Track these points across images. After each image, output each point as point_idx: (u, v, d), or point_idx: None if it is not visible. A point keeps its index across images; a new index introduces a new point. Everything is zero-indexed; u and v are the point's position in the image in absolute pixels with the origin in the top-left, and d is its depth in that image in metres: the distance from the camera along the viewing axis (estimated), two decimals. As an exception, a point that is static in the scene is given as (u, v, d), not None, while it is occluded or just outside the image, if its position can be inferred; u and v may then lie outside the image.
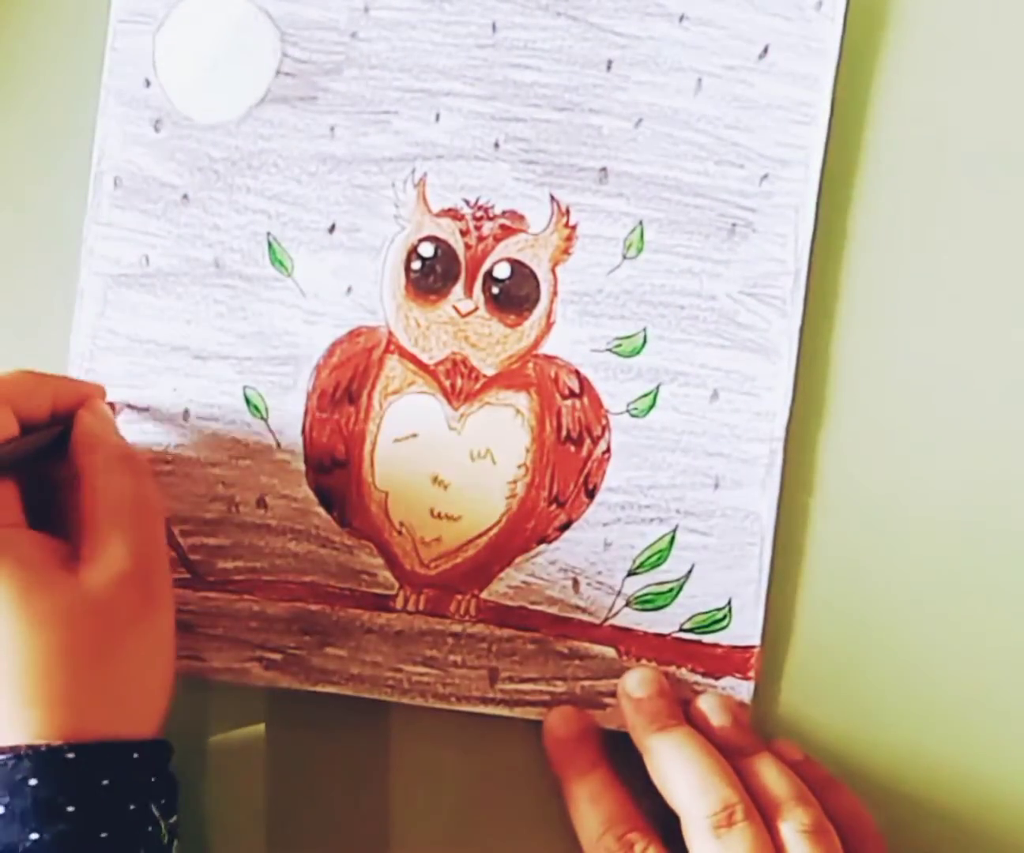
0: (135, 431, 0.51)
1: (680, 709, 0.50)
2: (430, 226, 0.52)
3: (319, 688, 0.51)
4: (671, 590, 0.51)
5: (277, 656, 0.51)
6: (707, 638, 0.51)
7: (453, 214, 0.52)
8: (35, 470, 0.46)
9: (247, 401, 0.52)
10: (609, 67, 0.52)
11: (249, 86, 0.52)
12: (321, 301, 0.52)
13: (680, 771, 0.48)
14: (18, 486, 0.45)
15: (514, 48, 0.52)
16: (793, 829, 0.46)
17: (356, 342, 0.52)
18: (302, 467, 0.52)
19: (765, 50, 0.52)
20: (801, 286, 0.51)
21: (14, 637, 0.42)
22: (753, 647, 0.51)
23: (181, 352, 0.52)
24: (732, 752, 0.49)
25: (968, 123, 0.52)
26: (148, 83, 0.52)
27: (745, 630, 0.51)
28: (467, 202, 0.52)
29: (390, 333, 0.52)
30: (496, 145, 0.52)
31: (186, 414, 0.52)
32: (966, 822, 0.52)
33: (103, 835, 0.41)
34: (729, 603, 0.51)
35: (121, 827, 0.42)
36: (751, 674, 0.51)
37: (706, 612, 0.51)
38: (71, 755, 0.41)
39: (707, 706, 0.50)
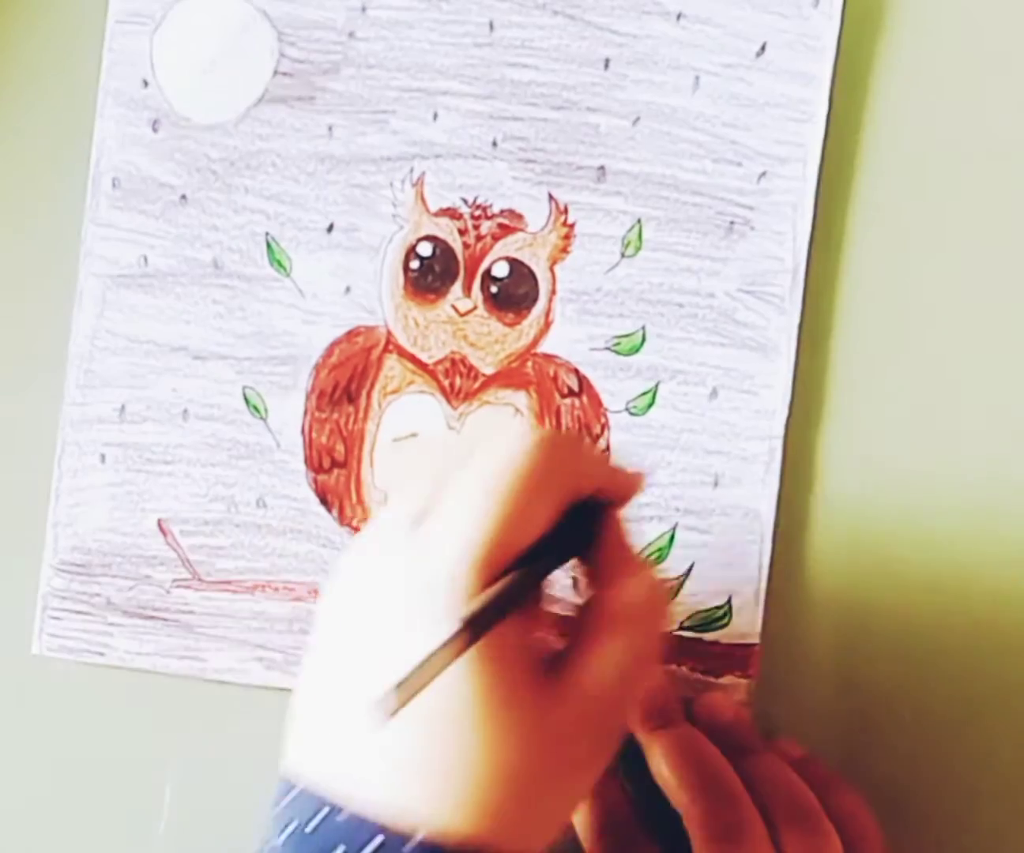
0: (135, 432, 0.51)
1: (680, 707, 0.50)
2: (428, 225, 0.52)
3: (319, 688, 0.51)
4: (671, 589, 0.51)
5: (277, 656, 0.51)
6: (707, 636, 0.51)
7: (451, 213, 0.52)
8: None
9: (246, 401, 0.52)
10: (607, 66, 0.52)
11: (247, 86, 0.52)
12: (320, 301, 0.52)
13: (680, 770, 0.48)
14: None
15: (511, 47, 0.52)
16: (794, 829, 0.46)
17: (355, 342, 0.52)
18: (302, 467, 0.52)
19: (763, 48, 0.52)
20: (800, 283, 0.51)
21: (471, 741, 0.38)
22: (753, 645, 0.51)
23: (180, 352, 0.52)
24: (733, 750, 0.49)
25: (966, 120, 0.52)
26: (146, 84, 0.52)
27: (745, 628, 0.51)
28: (465, 201, 0.52)
29: (389, 332, 0.52)
30: (494, 144, 0.52)
31: (185, 414, 0.52)
32: (966, 822, 0.52)
33: None
34: (729, 601, 0.51)
35: None
36: (751, 672, 0.51)
37: (706, 610, 0.51)
38: None
39: (707, 704, 0.50)
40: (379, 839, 0.37)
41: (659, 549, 0.51)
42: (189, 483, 0.52)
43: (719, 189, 0.52)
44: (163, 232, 0.52)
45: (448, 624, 0.36)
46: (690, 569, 0.51)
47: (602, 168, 0.52)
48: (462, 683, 0.38)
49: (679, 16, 0.52)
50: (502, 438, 0.40)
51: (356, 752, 0.39)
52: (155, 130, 0.52)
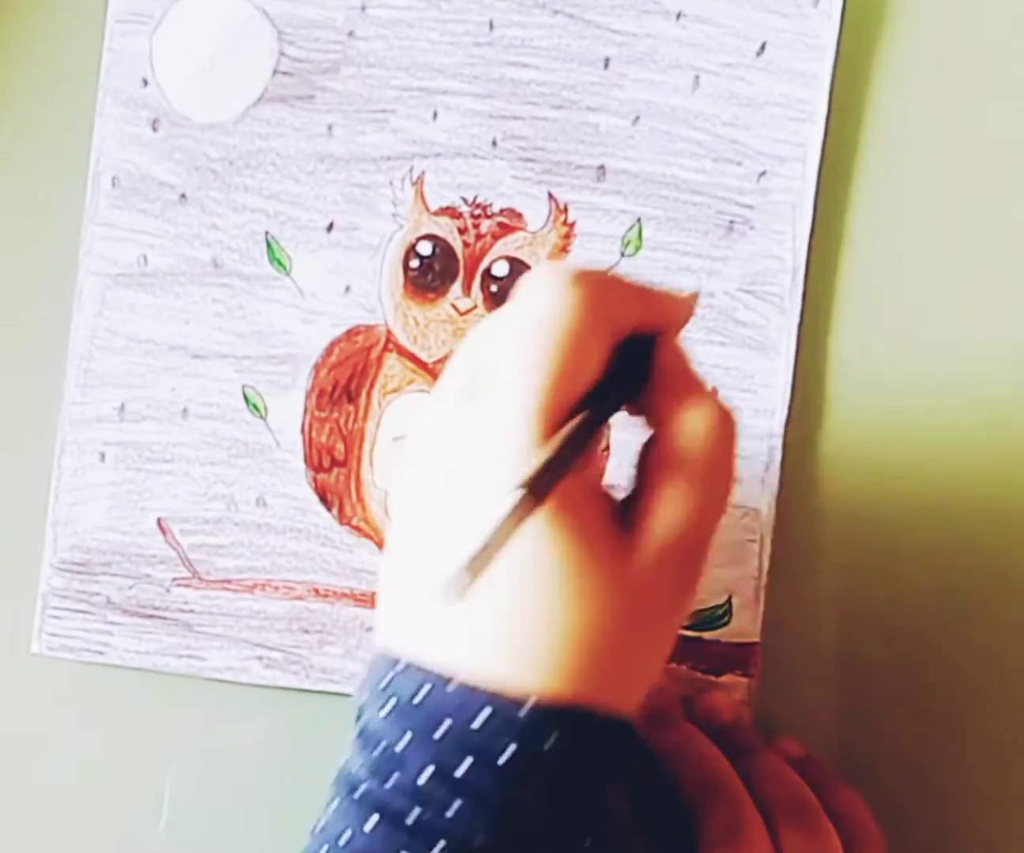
0: (135, 431, 0.51)
1: (681, 706, 0.50)
2: (428, 224, 0.52)
3: (319, 687, 0.51)
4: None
5: (277, 655, 0.51)
6: (707, 635, 0.51)
7: (451, 212, 0.52)
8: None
9: (246, 400, 0.52)
10: (606, 65, 0.52)
11: (246, 85, 0.52)
12: (319, 300, 0.52)
13: (681, 769, 0.48)
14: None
15: (511, 46, 0.52)
16: (793, 829, 0.46)
17: (355, 341, 0.52)
18: (301, 466, 0.52)
19: (762, 47, 0.52)
20: (799, 283, 0.51)
21: (560, 602, 0.37)
22: (753, 644, 0.51)
23: (179, 351, 0.52)
24: (733, 749, 0.49)
25: (966, 119, 0.52)
26: (145, 83, 0.52)
27: (745, 627, 0.51)
28: (465, 200, 0.52)
29: (389, 331, 0.52)
30: (494, 143, 0.52)
31: (185, 413, 0.52)
32: (966, 821, 0.52)
33: (586, 801, 0.39)
34: (729, 600, 0.51)
35: (587, 805, 0.39)
36: (751, 671, 0.51)
37: (706, 609, 0.51)
38: (600, 723, 0.38)
39: (707, 703, 0.50)
40: (488, 709, 0.37)
41: (659, 548, 0.51)
42: (189, 482, 0.52)
43: (719, 188, 0.52)
44: (163, 231, 0.52)
45: (512, 491, 0.35)
46: (690, 568, 0.51)
47: (602, 167, 0.52)
48: (542, 545, 0.37)
49: (679, 15, 0.52)
50: (537, 290, 0.39)
51: (453, 626, 0.38)
52: (155, 129, 0.52)
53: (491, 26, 0.52)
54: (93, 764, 0.52)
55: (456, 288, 0.52)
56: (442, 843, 0.37)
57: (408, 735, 0.38)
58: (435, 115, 0.52)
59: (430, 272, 0.52)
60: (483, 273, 0.52)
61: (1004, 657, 0.52)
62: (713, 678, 0.51)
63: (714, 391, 0.42)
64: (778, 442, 0.51)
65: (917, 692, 0.52)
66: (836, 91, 0.51)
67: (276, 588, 0.51)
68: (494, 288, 0.52)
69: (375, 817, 0.37)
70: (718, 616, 0.51)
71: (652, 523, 0.39)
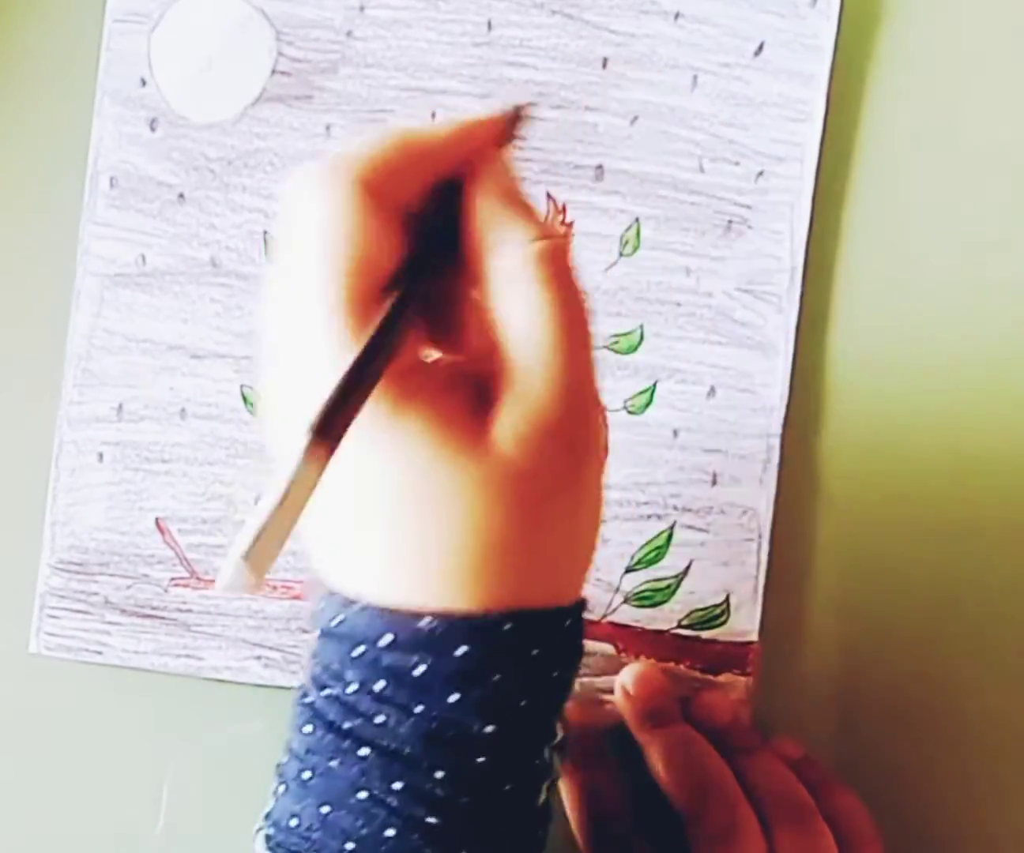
0: (133, 430, 0.51)
1: (678, 706, 0.50)
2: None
3: (317, 687, 0.51)
4: (669, 586, 0.51)
5: (275, 654, 0.51)
6: (705, 634, 0.51)
7: (449, 212, 0.52)
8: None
9: (244, 400, 0.52)
10: (604, 65, 0.52)
11: (245, 85, 0.52)
12: (318, 300, 0.52)
13: (678, 770, 0.48)
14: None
15: (509, 46, 0.52)
16: (788, 829, 0.46)
17: (353, 340, 0.52)
18: (299, 466, 0.52)
19: (760, 47, 0.52)
20: (797, 282, 0.52)
21: (438, 502, 0.36)
22: (751, 643, 0.51)
23: (178, 351, 0.52)
24: (730, 749, 0.49)
25: (964, 119, 0.52)
26: (144, 83, 0.52)
27: (743, 626, 0.51)
28: (463, 200, 0.52)
29: (387, 331, 0.52)
30: (492, 143, 0.52)
31: (183, 413, 0.52)
32: (965, 821, 0.52)
33: (522, 703, 0.38)
34: (727, 599, 0.51)
35: (541, 695, 0.38)
36: (749, 670, 0.51)
37: (704, 608, 0.52)
38: (508, 626, 0.37)
39: (705, 703, 0.50)
40: (391, 630, 0.37)
41: (657, 547, 0.51)
42: (187, 482, 0.52)
43: (717, 188, 0.52)
44: (161, 231, 0.52)
45: (301, 441, 0.33)
46: (688, 567, 0.51)
47: (600, 167, 0.52)
48: (399, 455, 0.36)
49: (677, 15, 0.52)
50: (301, 198, 0.37)
51: (356, 551, 0.38)
52: (153, 129, 0.52)
53: (489, 26, 0.52)
54: (91, 764, 0.52)
55: (454, 288, 0.52)
56: (368, 750, 0.37)
57: (335, 654, 0.38)
58: (433, 115, 0.52)
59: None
60: (481, 273, 0.52)
61: (1004, 657, 0.52)
62: (711, 677, 0.51)
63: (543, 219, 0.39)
64: (776, 441, 0.52)
65: (915, 692, 0.52)
66: (834, 91, 0.52)
67: (274, 588, 0.51)
68: (492, 288, 0.52)
69: (313, 723, 0.38)
70: (716, 615, 0.51)
71: (503, 406, 0.37)
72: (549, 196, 0.52)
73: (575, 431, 0.37)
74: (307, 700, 0.39)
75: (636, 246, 0.52)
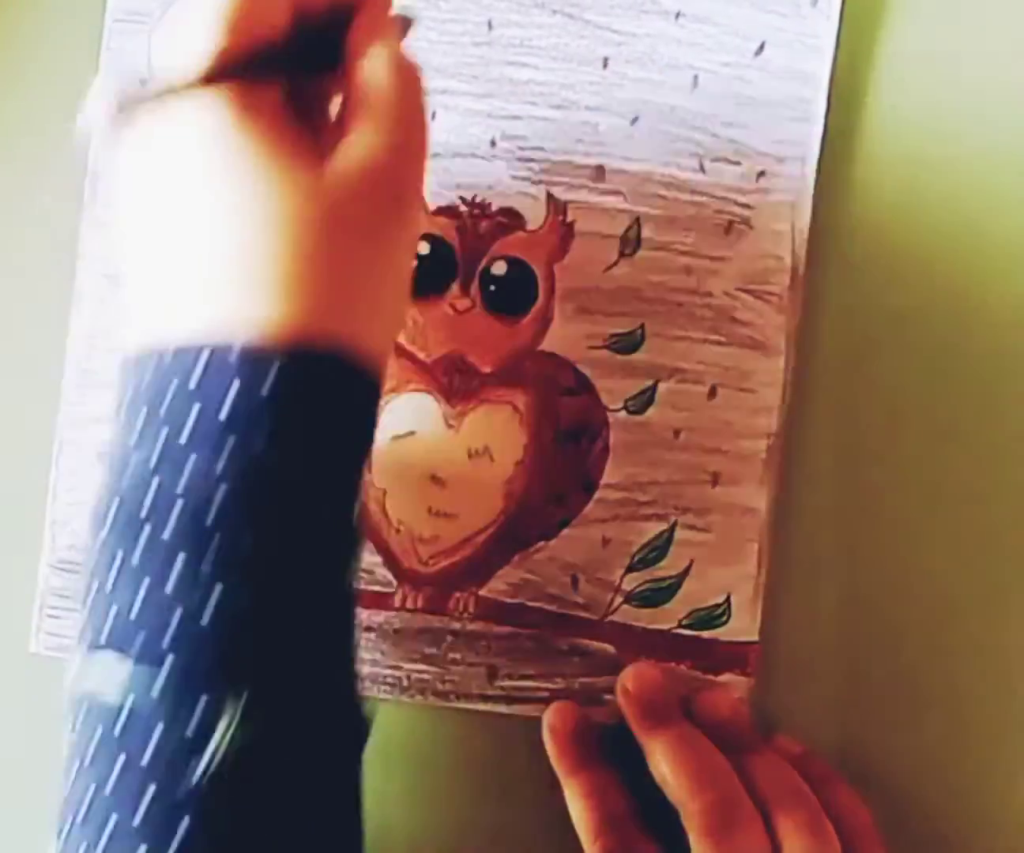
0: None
1: (679, 705, 0.50)
2: (427, 224, 0.52)
3: (318, 687, 0.51)
4: (669, 586, 0.51)
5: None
6: (706, 634, 0.51)
7: (450, 212, 0.52)
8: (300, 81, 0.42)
9: (245, 400, 0.51)
10: (605, 65, 0.52)
11: (245, 85, 0.52)
12: (318, 300, 0.52)
13: (679, 768, 0.48)
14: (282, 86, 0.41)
15: (510, 46, 0.52)
16: (791, 827, 0.46)
17: (353, 340, 0.52)
18: (300, 466, 0.52)
19: (761, 47, 0.52)
20: (798, 282, 0.52)
21: (255, 208, 0.38)
22: (752, 643, 0.51)
23: (178, 351, 0.52)
24: (731, 748, 0.49)
25: (964, 119, 0.52)
26: (143, 83, 0.51)
27: (744, 626, 0.51)
28: (464, 200, 0.52)
29: (387, 331, 0.52)
30: (493, 143, 0.52)
31: (184, 413, 0.52)
32: (964, 819, 0.52)
33: (324, 450, 0.39)
34: (728, 599, 0.51)
35: (342, 444, 0.40)
36: (750, 670, 0.51)
37: (704, 608, 0.52)
38: (319, 361, 0.38)
39: (706, 702, 0.50)
40: (204, 358, 0.37)
41: (658, 547, 0.51)
42: (187, 482, 0.51)
43: (717, 188, 0.52)
44: (161, 231, 0.52)
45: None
46: (689, 567, 0.51)
47: (601, 167, 0.52)
48: (222, 161, 0.38)
49: (678, 15, 0.52)
50: None
51: (162, 297, 0.39)
52: (153, 129, 0.52)
53: (490, 26, 0.52)
54: (92, 764, 0.52)
55: (455, 288, 0.52)
56: (180, 503, 0.37)
57: (137, 426, 0.38)
58: (434, 115, 0.52)
59: (428, 272, 0.52)
60: (482, 273, 0.52)
61: (1004, 657, 0.52)
62: (712, 677, 0.51)
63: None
64: (776, 441, 0.52)
65: (916, 691, 0.52)
66: (835, 91, 0.52)
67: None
68: (493, 288, 0.52)
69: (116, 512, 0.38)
70: (717, 615, 0.51)
71: (341, 149, 0.40)
72: (550, 196, 0.52)
73: (403, 185, 0.41)
74: (109, 479, 0.39)
75: (637, 246, 0.52)
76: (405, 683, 0.51)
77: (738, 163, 0.52)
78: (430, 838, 0.52)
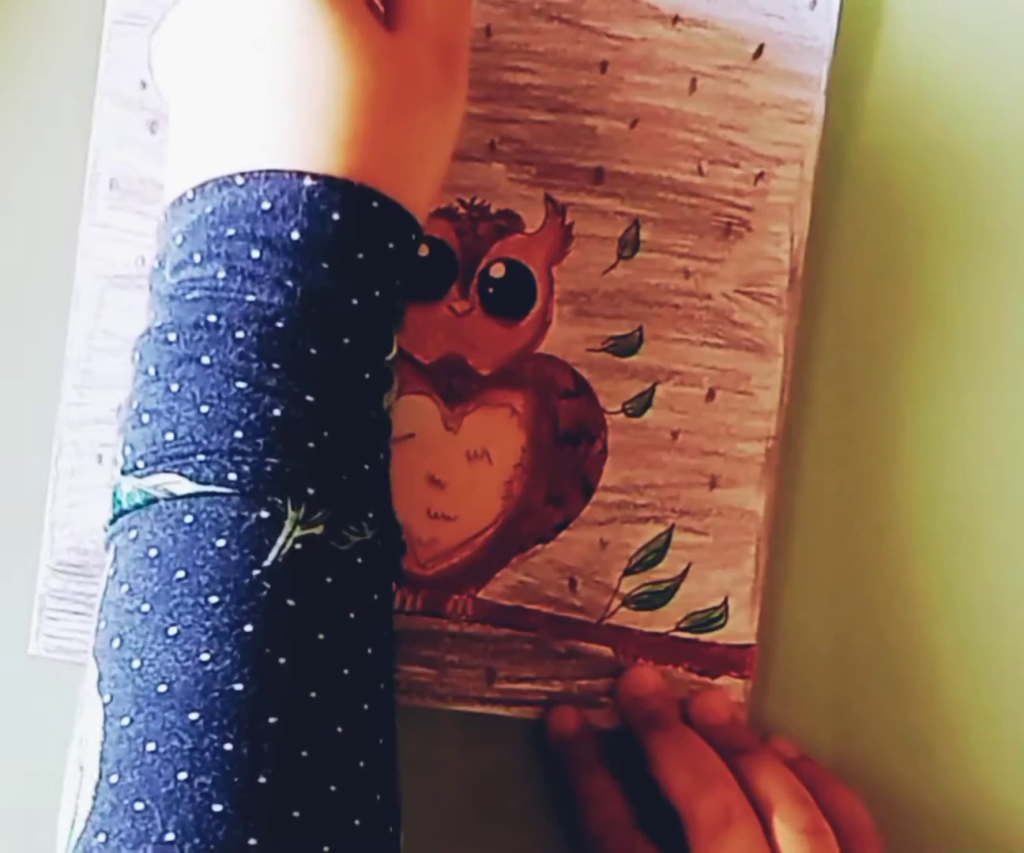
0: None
1: (677, 708, 0.50)
2: (426, 226, 0.52)
3: (316, 689, 0.51)
4: (667, 589, 0.51)
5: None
6: (703, 637, 0.51)
7: (449, 215, 0.52)
8: None
9: (243, 401, 0.52)
10: (603, 69, 0.52)
11: (245, 87, 0.52)
12: (317, 302, 0.52)
13: (677, 771, 0.48)
14: None
15: (508, 51, 0.52)
16: (790, 828, 0.46)
17: (352, 342, 0.52)
18: (298, 468, 0.52)
19: (759, 50, 0.52)
20: (797, 285, 0.52)
21: (328, 67, 0.41)
22: (749, 646, 0.51)
23: (177, 353, 0.52)
24: (729, 751, 0.49)
25: (964, 120, 0.53)
26: (143, 85, 0.52)
27: (741, 629, 0.51)
28: (463, 202, 0.52)
29: (386, 333, 0.52)
30: (491, 146, 0.52)
31: (182, 415, 0.52)
32: (963, 820, 0.52)
33: (376, 293, 0.41)
34: (725, 602, 0.51)
35: (388, 289, 0.42)
36: (747, 673, 0.51)
37: (702, 611, 0.52)
38: (375, 204, 0.41)
39: (704, 705, 0.51)
40: (274, 191, 0.40)
41: (656, 550, 0.51)
42: (186, 484, 0.51)
43: (716, 190, 0.52)
44: (160, 233, 0.52)
45: None
46: (687, 570, 0.51)
47: (599, 170, 0.52)
48: (298, 14, 0.40)
49: (675, 19, 0.52)
50: None
51: (233, 129, 0.41)
52: (152, 131, 0.52)
53: (488, 32, 0.52)
54: (90, 766, 0.52)
55: (453, 290, 0.52)
56: (243, 332, 0.39)
57: (199, 245, 0.40)
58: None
59: (427, 274, 0.52)
60: (480, 275, 0.52)
61: (1004, 657, 0.52)
62: (709, 680, 0.51)
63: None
64: (774, 444, 0.52)
65: (913, 694, 0.52)
66: (833, 93, 0.52)
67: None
68: (491, 290, 0.52)
69: (176, 331, 0.40)
70: (714, 618, 0.51)
71: (414, 22, 0.43)
72: (548, 199, 0.52)
73: (461, 66, 0.44)
74: (159, 323, 0.41)
75: (635, 248, 0.52)
76: (403, 685, 0.51)
77: (736, 165, 0.52)
78: (427, 840, 0.51)
